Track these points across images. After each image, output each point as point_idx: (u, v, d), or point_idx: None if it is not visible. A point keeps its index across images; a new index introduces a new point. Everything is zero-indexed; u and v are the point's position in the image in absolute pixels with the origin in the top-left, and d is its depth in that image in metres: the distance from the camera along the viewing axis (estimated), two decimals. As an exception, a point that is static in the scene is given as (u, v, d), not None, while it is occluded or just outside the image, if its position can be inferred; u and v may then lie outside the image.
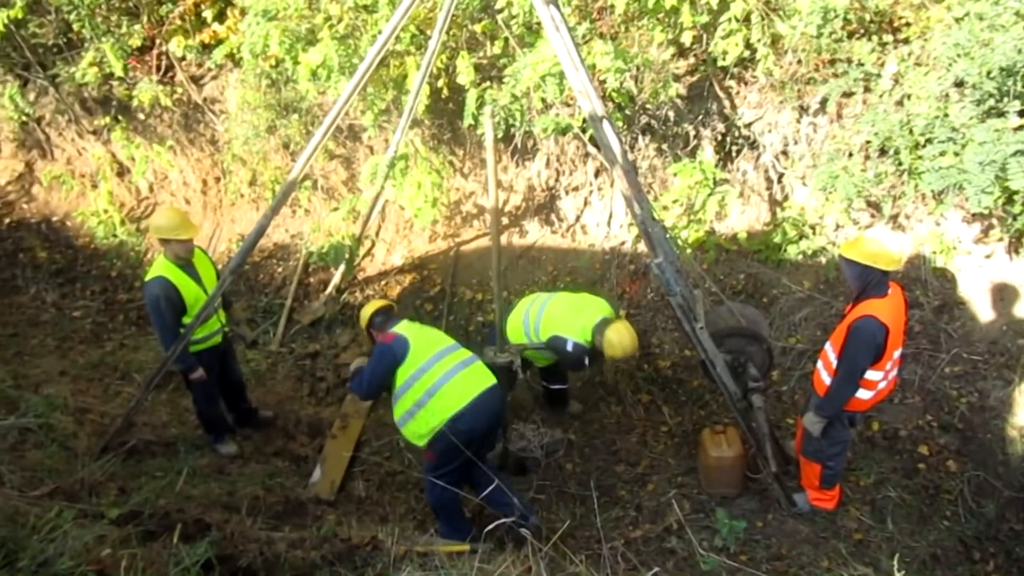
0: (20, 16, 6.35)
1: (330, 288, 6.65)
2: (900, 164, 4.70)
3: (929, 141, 4.38)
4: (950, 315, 5.01)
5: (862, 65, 4.77)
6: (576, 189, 6.32)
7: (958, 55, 4.23)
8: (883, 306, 3.77)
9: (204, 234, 7.33)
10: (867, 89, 4.94)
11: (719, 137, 5.69)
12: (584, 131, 5.54)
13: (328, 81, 5.37)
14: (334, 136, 6.32)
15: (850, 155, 4.98)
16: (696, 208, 5.50)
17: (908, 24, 4.87)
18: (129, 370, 6.06)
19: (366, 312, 4.43)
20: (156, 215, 6.31)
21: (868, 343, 3.76)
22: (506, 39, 5.33)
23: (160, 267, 4.65)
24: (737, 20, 4.92)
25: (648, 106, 5.63)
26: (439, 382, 3.93)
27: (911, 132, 4.50)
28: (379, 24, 5.23)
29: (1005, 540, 4.19)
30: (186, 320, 4.67)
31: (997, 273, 4.93)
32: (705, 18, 5.04)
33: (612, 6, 5.07)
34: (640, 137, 5.86)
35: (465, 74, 5.31)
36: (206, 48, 6.41)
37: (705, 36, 5.26)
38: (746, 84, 5.56)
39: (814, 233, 5.45)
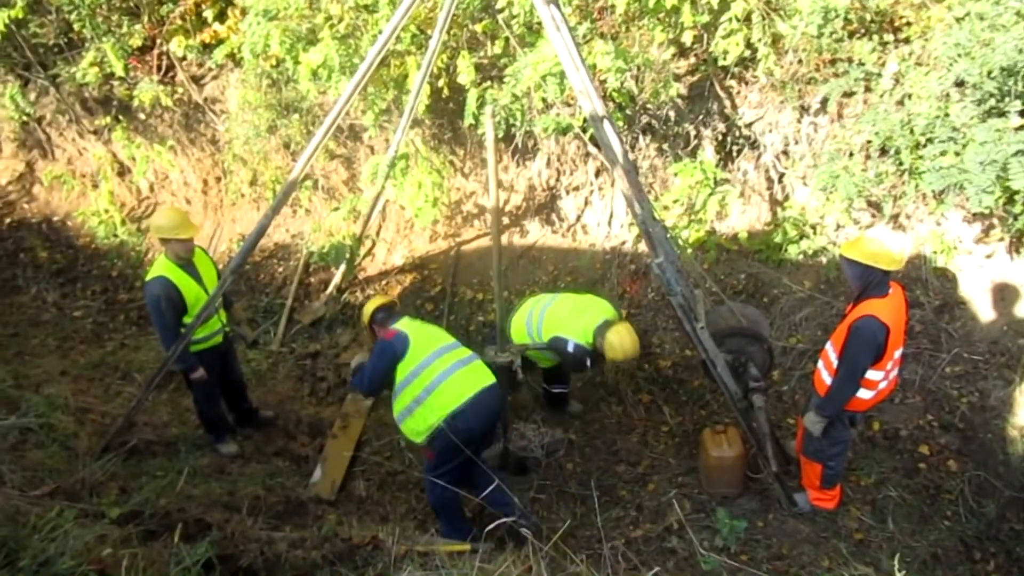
0: (21, 16, 6.35)
1: (331, 288, 6.65)
2: (901, 164, 4.70)
3: (930, 141, 4.39)
4: (951, 315, 5.01)
5: (863, 65, 4.77)
6: (577, 189, 6.32)
7: (959, 55, 4.23)
8: (884, 306, 3.77)
9: (205, 234, 7.33)
10: (868, 89, 4.94)
11: (720, 137, 5.69)
12: (585, 131, 5.54)
13: (329, 81, 5.38)
14: (335, 136, 6.32)
15: (851, 155, 4.98)
16: (697, 208, 5.50)
17: (909, 24, 4.87)
18: (130, 370, 6.06)
19: (368, 308, 4.44)
20: (156, 215, 6.34)
21: (869, 343, 3.76)
22: (507, 39, 5.33)
23: (161, 267, 4.65)
24: (738, 20, 4.92)
25: (649, 106, 5.62)
26: (438, 379, 3.93)
27: (912, 132, 4.50)
28: (380, 24, 5.23)
29: (1006, 540, 4.19)
30: (187, 320, 4.68)
31: (998, 273, 4.92)
32: (706, 18, 5.04)
33: (613, 6, 5.07)
34: (641, 137, 5.86)
35: (466, 74, 5.31)
36: (207, 48, 6.41)
37: (706, 36, 5.26)
38: (747, 84, 5.56)
39: (815, 233, 5.45)
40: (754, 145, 5.66)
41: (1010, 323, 4.81)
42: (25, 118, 7.45)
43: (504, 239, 6.36)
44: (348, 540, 3.51)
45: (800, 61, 5.10)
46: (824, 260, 5.41)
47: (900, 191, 4.91)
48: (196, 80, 6.94)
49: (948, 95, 4.34)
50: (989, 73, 4.05)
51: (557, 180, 6.36)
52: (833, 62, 5.03)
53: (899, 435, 4.70)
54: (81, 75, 6.54)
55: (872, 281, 3.78)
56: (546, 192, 6.45)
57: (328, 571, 3.27)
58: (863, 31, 4.97)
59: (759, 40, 4.97)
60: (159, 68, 6.78)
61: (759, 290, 5.56)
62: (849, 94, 5.03)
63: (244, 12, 5.78)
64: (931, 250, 5.08)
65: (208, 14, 6.34)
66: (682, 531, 4.23)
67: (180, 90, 6.85)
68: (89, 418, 5.21)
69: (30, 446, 4.57)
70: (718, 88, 5.57)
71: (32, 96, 7.37)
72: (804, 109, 5.35)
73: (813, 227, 5.46)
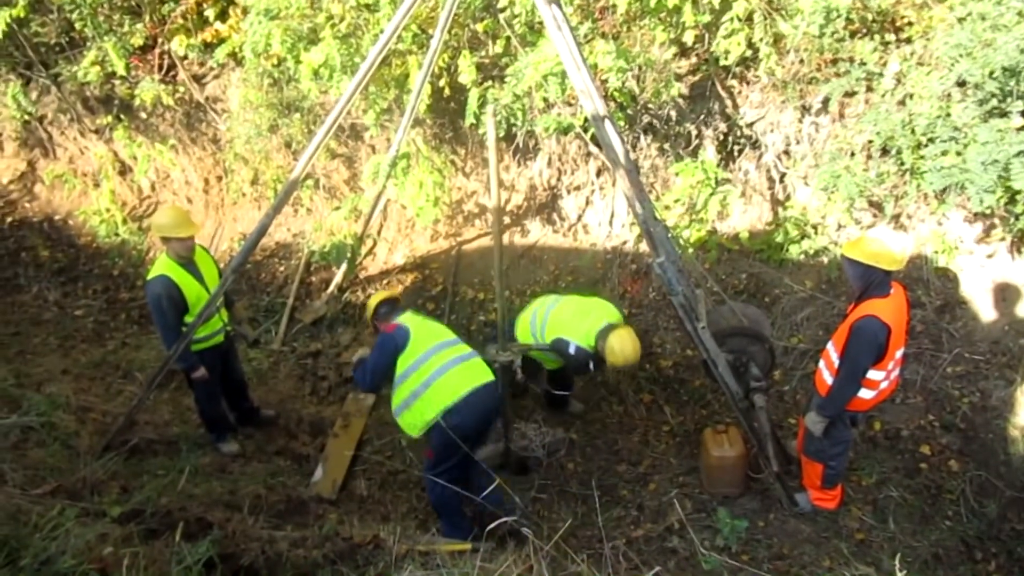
0: (22, 15, 6.35)
1: (332, 287, 6.65)
2: (902, 164, 4.70)
3: (931, 141, 4.39)
4: (952, 315, 5.00)
5: (864, 65, 4.77)
6: (578, 188, 6.32)
7: (960, 55, 4.23)
8: (885, 306, 3.77)
9: (206, 233, 7.34)
10: (869, 89, 4.93)
11: (721, 137, 5.68)
12: (586, 130, 5.53)
13: (330, 80, 5.38)
14: (336, 135, 6.32)
15: (852, 155, 4.97)
16: (698, 208, 5.50)
17: (910, 24, 4.87)
18: (131, 369, 6.06)
19: (372, 302, 4.47)
20: (157, 213, 6.33)
21: (870, 343, 3.76)
22: (508, 38, 5.33)
23: (162, 266, 4.65)
24: (739, 19, 4.92)
25: (650, 105, 5.62)
26: (436, 374, 3.95)
27: (913, 132, 4.50)
28: (381, 23, 5.23)
29: (1007, 540, 4.19)
30: (188, 319, 4.68)
31: (999, 273, 4.92)
32: (707, 17, 5.04)
33: (614, 5, 5.07)
34: (642, 136, 5.86)
35: (467, 73, 5.31)
36: (208, 47, 6.41)
37: (707, 35, 5.26)
38: (748, 84, 5.55)
39: (816, 233, 5.45)
40: (755, 145, 5.66)
41: (1011, 323, 4.81)
42: (27, 117, 7.44)
43: (505, 239, 6.35)
44: (349, 539, 3.52)
45: (802, 61, 5.10)
46: (825, 260, 5.41)
47: (901, 191, 4.90)
48: (197, 79, 6.94)
49: (950, 95, 4.34)
50: (991, 73, 4.05)
51: (558, 180, 6.36)
52: (835, 62, 5.03)
53: (900, 435, 4.70)
54: (82, 74, 6.54)
55: (873, 281, 3.78)
56: (547, 192, 6.45)
57: (329, 570, 3.28)
58: (865, 31, 4.97)
59: (760, 40, 4.96)
60: (160, 67, 6.78)
61: (760, 290, 5.56)
62: (851, 94, 5.03)
63: (245, 11, 5.78)
64: (932, 250, 5.07)
65: (209, 13, 6.33)
66: (683, 531, 4.24)
67: (181, 89, 6.85)
68: (90, 417, 5.21)
69: (31, 445, 4.57)
70: (719, 88, 5.56)
71: (34, 95, 7.36)
72: (805, 109, 5.34)
73: (814, 227, 5.45)
